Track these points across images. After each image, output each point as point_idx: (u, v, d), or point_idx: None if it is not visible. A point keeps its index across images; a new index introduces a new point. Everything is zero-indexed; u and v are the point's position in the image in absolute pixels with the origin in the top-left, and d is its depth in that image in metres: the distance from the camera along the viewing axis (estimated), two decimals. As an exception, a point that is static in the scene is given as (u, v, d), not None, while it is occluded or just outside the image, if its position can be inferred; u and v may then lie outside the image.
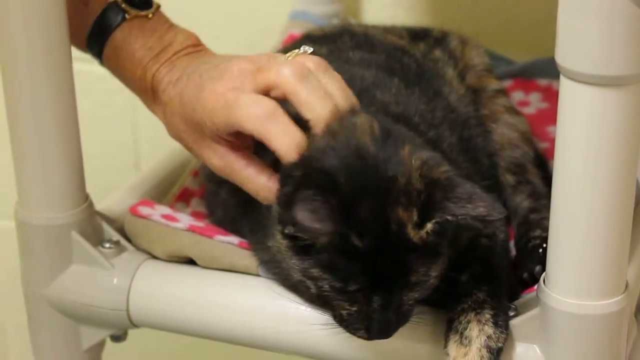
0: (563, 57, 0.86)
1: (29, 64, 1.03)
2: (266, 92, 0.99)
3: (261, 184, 1.00)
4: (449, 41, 1.32)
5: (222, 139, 1.01)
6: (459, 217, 0.91)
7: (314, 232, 0.91)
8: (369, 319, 0.94)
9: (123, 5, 1.08)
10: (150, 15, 1.09)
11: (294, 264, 0.96)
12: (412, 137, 1.00)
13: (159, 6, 1.10)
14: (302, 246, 0.94)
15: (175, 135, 1.06)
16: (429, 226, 0.92)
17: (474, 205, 0.91)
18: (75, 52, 1.08)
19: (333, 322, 0.98)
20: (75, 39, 1.08)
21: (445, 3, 1.62)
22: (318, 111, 0.97)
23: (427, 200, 0.93)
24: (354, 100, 1.00)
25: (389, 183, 0.93)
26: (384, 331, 0.95)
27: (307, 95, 0.97)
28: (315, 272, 0.94)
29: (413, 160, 0.95)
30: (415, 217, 0.93)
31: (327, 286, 0.94)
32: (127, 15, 1.08)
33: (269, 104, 0.97)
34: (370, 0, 1.64)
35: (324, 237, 0.92)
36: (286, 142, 0.96)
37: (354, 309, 0.95)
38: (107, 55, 1.09)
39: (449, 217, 0.91)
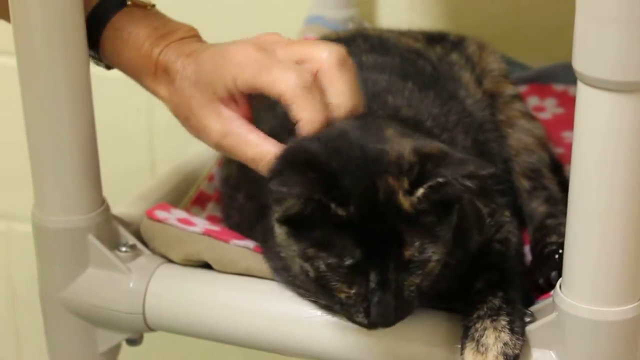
0: (580, 63, 0.86)
1: (47, 68, 1.03)
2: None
3: (266, 149, 0.99)
4: (467, 46, 1.32)
5: (231, 101, 1.01)
6: (450, 178, 0.91)
7: (286, 194, 0.91)
8: (367, 300, 0.93)
9: None
10: (149, 7, 1.10)
11: (292, 251, 0.96)
12: (396, 124, 1.01)
13: (154, 5, 1.11)
14: (296, 227, 0.94)
15: (179, 103, 1.05)
16: (421, 191, 0.92)
17: (463, 166, 0.91)
18: (92, 56, 1.08)
19: (330, 308, 0.98)
20: None
21: (461, 8, 1.62)
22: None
23: (420, 170, 0.93)
24: (354, 104, 0.99)
25: (377, 155, 0.93)
26: (384, 315, 0.93)
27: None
28: (311, 252, 0.94)
29: (404, 139, 0.95)
30: (406, 185, 0.92)
31: (323, 266, 0.93)
32: (128, 2, 1.09)
33: (308, 76, 0.97)
34: (385, 5, 1.64)
35: (297, 203, 0.92)
36: (314, 117, 0.96)
37: (353, 291, 0.94)
38: (106, 40, 1.08)
39: (440, 180, 0.91)
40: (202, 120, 1.03)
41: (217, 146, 1.03)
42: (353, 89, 0.99)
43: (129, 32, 1.08)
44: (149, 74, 1.07)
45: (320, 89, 0.98)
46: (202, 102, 1.02)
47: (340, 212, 0.91)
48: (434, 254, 0.94)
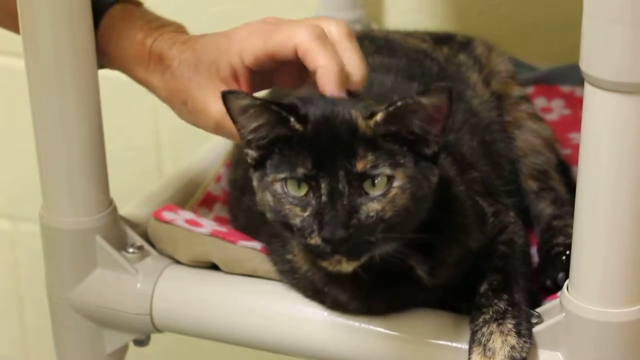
0: (587, 64, 0.86)
1: (56, 71, 1.04)
2: None
3: None
4: (475, 47, 1.32)
5: (233, 80, 1.01)
6: (407, 99, 0.91)
7: (250, 104, 0.93)
8: (319, 216, 0.92)
9: None
10: (140, 5, 1.12)
11: (260, 186, 0.96)
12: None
13: (143, 4, 1.14)
14: (262, 163, 0.96)
15: (175, 88, 1.05)
16: (380, 115, 0.93)
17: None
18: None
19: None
20: None
21: (467, 9, 1.62)
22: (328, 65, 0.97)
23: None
24: (365, 74, 1.00)
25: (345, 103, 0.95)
26: (335, 229, 0.91)
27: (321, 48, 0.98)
28: (271, 177, 0.95)
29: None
30: (367, 113, 0.94)
31: (279, 189, 0.94)
32: None
33: (320, 28, 0.98)
34: (392, 5, 1.64)
35: (261, 121, 0.94)
36: (332, 63, 0.96)
37: (307, 213, 0.93)
38: (101, 30, 1.09)
39: (400, 103, 0.91)
40: (202, 101, 1.03)
41: (217, 127, 1.03)
42: (362, 59, 1.00)
43: (123, 24, 1.09)
44: (141, 63, 1.08)
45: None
46: (202, 83, 1.03)
47: (298, 126, 0.93)
48: (394, 178, 0.93)
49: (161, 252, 1.14)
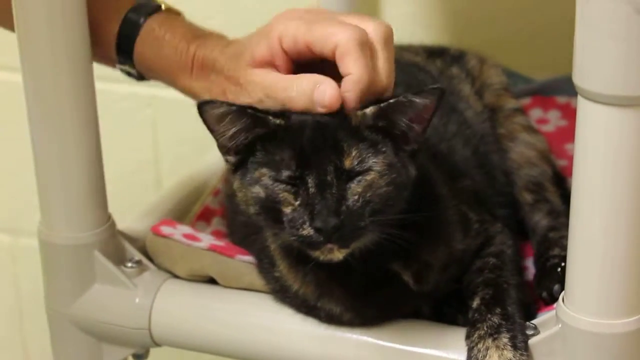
0: (580, 77, 0.87)
1: (53, 84, 1.04)
2: None
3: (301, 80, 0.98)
4: (467, 60, 1.33)
5: (270, 62, 1.00)
6: (401, 98, 0.93)
7: (226, 110, 0.94)
8: (310, 206, 0.93)
9: (153, 2, 1.12)
10: (179, 15, 1.14)
11: (245, 189, 0.97)
12: None
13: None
14: (243, 163, 0.97)
15: (218, 83, 1.06)
16: (371, 109, 0.94)
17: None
18: (96, 71, 1.09)
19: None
20: (104, 40, 1.11)
21: (463, 22, 1.63)
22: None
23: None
24: (392, 85, 1.00)
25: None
26: (326, 218, 0.92)
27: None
28: (256, 174, 0.95)
29: None
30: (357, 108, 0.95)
31: (269, 180, 0.95)
32: (161, 7, 1.12)
33: (365, 33, 0.97)
34: (388, 18, 1.65)
35: (237, 124, 0.95)
36: (364, 74, 0.95)
37: (297, 202, 0.94)
38: (142, 39, 1.11)
39: (392, 100, 0.93)
40: (244, 77, 1.02)
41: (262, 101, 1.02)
42: (392, 69, 0.99)
43: (164, 33, 1.10)
44: (185, 71, 1.09)
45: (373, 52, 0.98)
46: (242, 64, 1.02)
47: (278, 121, 0.94)
48: (374, 163, 0.94)
49: (159, 267, 1.14)
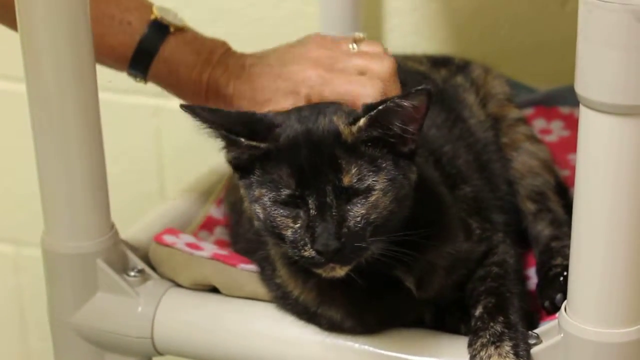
0: (582, 86, 0.87)
1: (57, 95, 1.04)
2: None
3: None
4: (472, 69, 1.34)
5: None
6: (388, 102, 0.94)
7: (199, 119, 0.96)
8: (311, 229, 0.94)
9: (165, 22, 1.15)
10: (186, 29, 1.16)
11: (245, 195, 0.99)
12: None
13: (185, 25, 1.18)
14: (242, 168, 0.98)
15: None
16: (362, 121, 0.95)
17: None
18: (100, 82, 1.09)
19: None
20: (116, 58, 1.15)
21: (467, 32, 1.63)
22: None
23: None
24: None
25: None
26: (327, 241, 0.93)
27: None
28: (257, 192, 0.97)
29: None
30: (349, 119, 0.96)
31: (268, 201, 0.96)
32: (171, 29, 1.15)
33: (381, 84, 1.05)
34: (392, 29, 1.65)
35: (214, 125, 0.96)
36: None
37: (297, 225, 0.95)
38: (156, 67, 1.15)
39: (381, 107, 0.94)
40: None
41: None
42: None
43: (178, 63, 1.14)
44: (199, 96, 1.14)
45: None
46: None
47: (264, 145, 0.96)
48: (375, 182, 0.95)
49: (162, 276, 1.14)
